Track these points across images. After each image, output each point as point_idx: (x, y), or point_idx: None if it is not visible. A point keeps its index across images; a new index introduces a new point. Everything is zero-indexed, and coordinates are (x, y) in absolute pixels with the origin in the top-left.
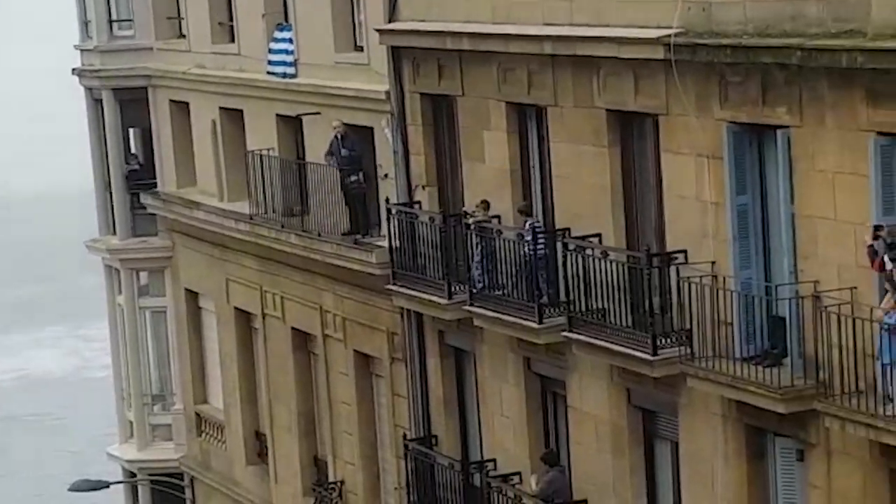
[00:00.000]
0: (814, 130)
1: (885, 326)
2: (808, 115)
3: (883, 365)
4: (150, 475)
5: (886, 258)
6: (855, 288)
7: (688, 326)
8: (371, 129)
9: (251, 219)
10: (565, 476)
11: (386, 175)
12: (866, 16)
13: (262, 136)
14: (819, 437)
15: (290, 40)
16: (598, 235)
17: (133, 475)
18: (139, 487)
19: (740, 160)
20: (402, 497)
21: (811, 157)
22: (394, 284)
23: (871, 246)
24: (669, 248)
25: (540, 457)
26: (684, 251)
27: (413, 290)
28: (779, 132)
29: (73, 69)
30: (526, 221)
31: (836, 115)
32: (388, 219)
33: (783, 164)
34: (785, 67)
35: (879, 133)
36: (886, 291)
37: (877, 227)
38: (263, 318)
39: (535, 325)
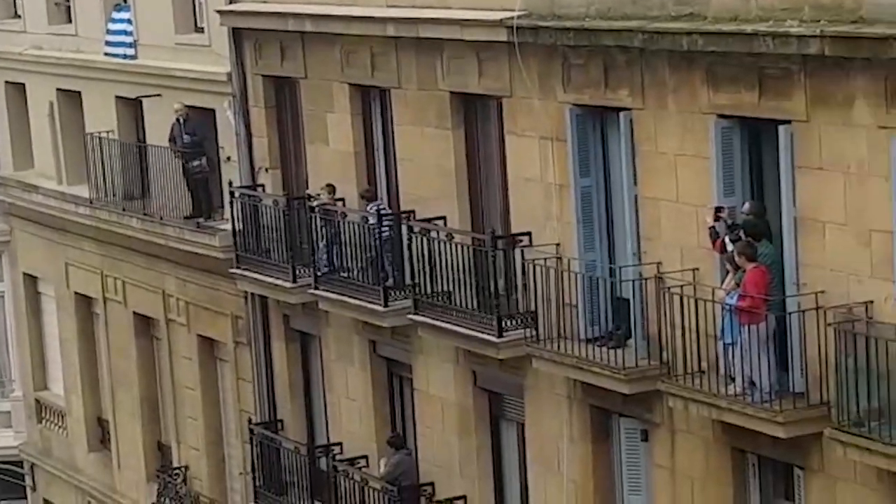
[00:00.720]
0: (656, 113)
1: (727, 307)
2: (650, 98)
3: (725, 345)
4: None
5: (727, 239)
6: (697, 269)
7: (533, 308)
8: (213, 111)
9: (91, 202)
10: (412, 459)
11: (229, 158)
12: None
13: (101, 118)
14: (663, 417)
15: (129, 21)
16: (444, 218)
17: None
18: None
19: (583, 143)
20: (247, 482)
21: (653, 139)
22: (237, 268)
23: (713, 227)
24: (514, 230)
25: (386, 440)
26: (529, 233)
27: (257, 273)
28: (621, 115)
29: None
30: (368, 206)
31: (677, 97)
32: (231, 202)
33: (626, 146)
34: (627, 50)
35: (720, 116)
36: (727, 272)
37: (718, 209)
38: (105, 302)
39: (380, 309)
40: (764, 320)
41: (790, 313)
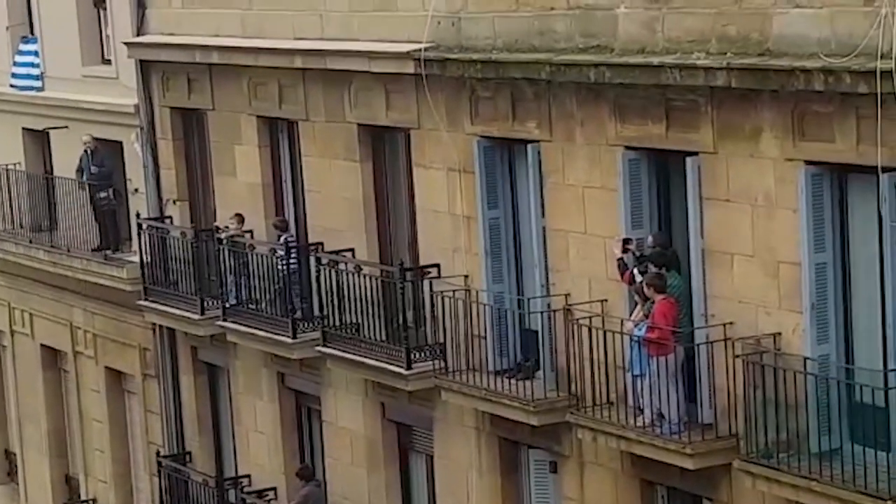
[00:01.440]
0: (563, 145)
1: (635, 339)
2: (558, 130)
3: (633, 376)
4: None
5: (635, 271)
6: (605, 300)
7: (441, 340)
8: (121, 143)
9: None
10: (321, 490)
11: (136, 190)
12: (613, 31)
13: (8, 150)
14: (572, 449)
15: (36, 53)
16: (352, 250)
17: None
18: None
19: (491, 174)
20: None
21: (561, 171)
22: (145, 300)
23: (621, 259)
24: (423, 262)
25: (295, 472)
26: (437, 265)
27: (165, 305)
28: (529, 146)
29: None
30: (280, 236)
31: (585, 129)
32: (139, 234)
33: (534, 178)
34: (534, 82)
35: (628, 147)
36: (636, 304)
37: (626, 241)
38: (12, 335)
39: (288, 340)
40: (672, 352)
41: (698, 345)
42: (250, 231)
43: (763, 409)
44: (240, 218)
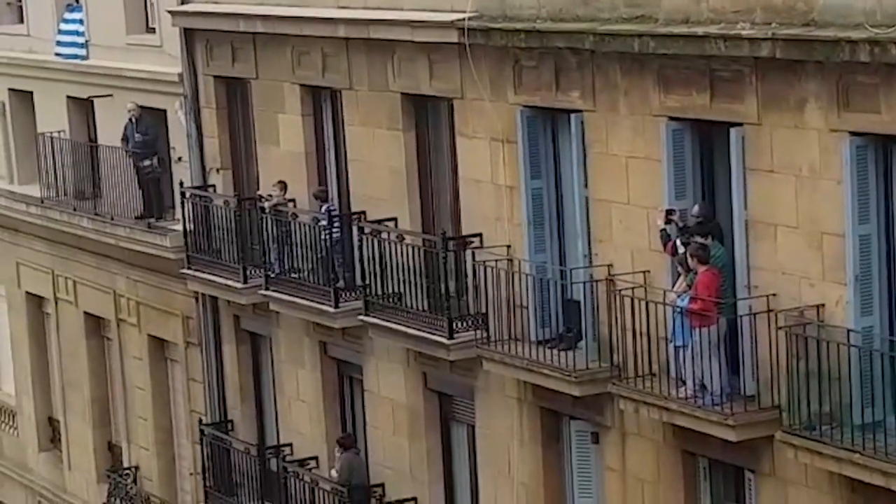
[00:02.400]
0: (607, 115)
1: (678, 309)
2: (601, 100)
3: (675, 347)
4: None
5: (678, 242)
6: (648, 271)
7: (483, 310)
8: (164, 111)
9: (42, 202)
10: (361, 458)
11: (180, 158)
12: (658, 1)
13: (53, 118)
14: (613, 420)
15: (81, 21)
16: (394, 219)
17: None
18: None
19: (534, 144)
20: (197, 482)
21: (604, 141)
22: (188, 268)
23: (664, 230)
24: (465, 231)
25: (336, 440)
26: (479, 235)
27: (208, 274)
28: (572, 116)
29: None
30: (321, 206)
31: (628, 99)
32: (182, 202)
33: (577, 148)
34: (578, 52)
35: (671, 118)
36: (679, 275)
37: (669, 212)
38: (56, 302)
39: (331, 310)
40: (715, 323)
41: (741, 316)
42: (293, 200)
43: (806, 380)
44: (282, 185)
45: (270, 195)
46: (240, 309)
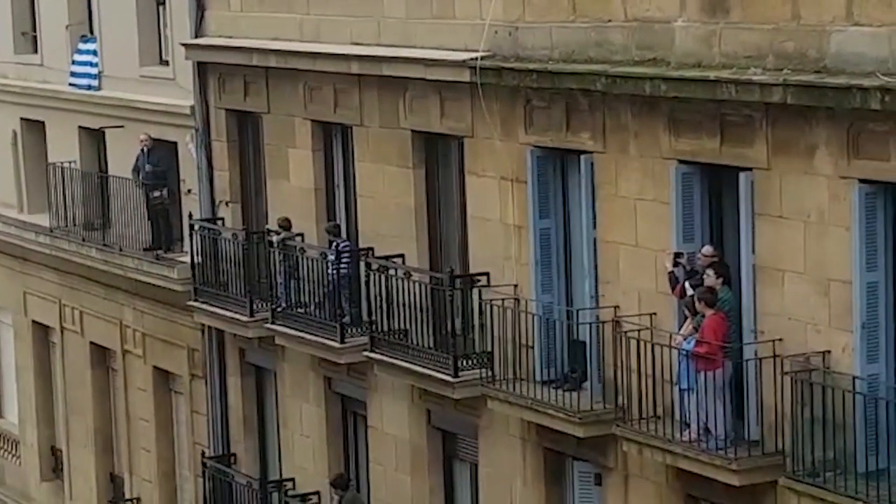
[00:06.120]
0: (617, 157)
1: (684, 352)
2: (612, 142)
3: (681, 390)
4: None
5: (687, 284)
6: (654, 314)
7: (489, 349)
8: (176, 143)
9: (51, 231)
10: (361, 497)
11: (189, 190)
12: (670, 44)
13: (64, 148)
14: (617, 462)
15: (95, 52)
16: (402, 256)
17: None
18: None
19: (544, 184)
20: None
21: (614, 183)
22: (195, 301)
23: (672, 272)
24: (472, 270)
25: (330, 481)
26: (487, 273)
27: (215, 307)
28: (582, 157)
29: None
30: (332, 242)
31: (638, 142)
32: (191, 235)
33: (586, 189)
34: (589, 93)
35: (681, 161)
36: (685, 317)
37: (677, 255)
38: (62, 332)
39: (336, 345)
40: (721, 367)
41: (747, 361)
42: (301, 234)
43: (811, 427)
44: (286, 221)
45: (278, 230)
46: (245, 342)
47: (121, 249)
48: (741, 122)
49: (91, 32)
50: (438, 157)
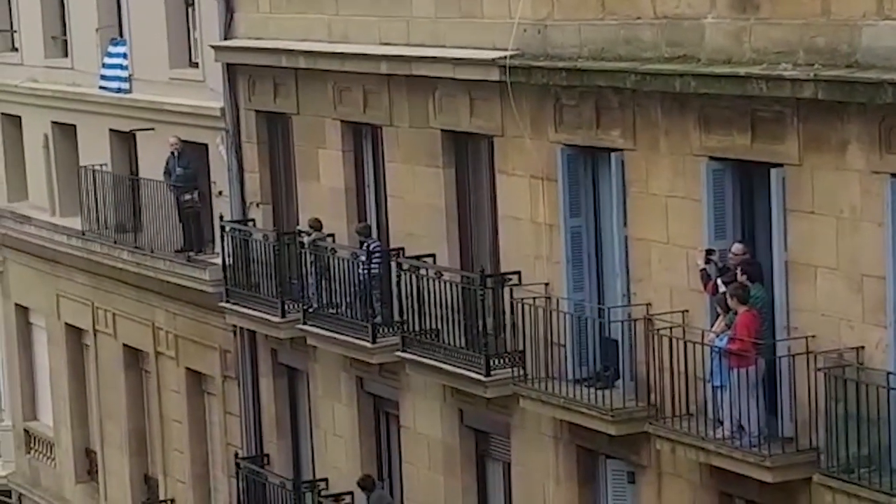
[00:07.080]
0: (647, 154)
1: (716, 349)
2: (642, 139)
3: (714, 388)
4: None
5: (719, 281)
6: (686, 311)
7: (521, 348)
8: (206, 145)
9: (83, 234)
10: (387, 493)
11: (220, 192)
12: (700, 41)
13: (95, 151)
14: (650, 460)
15: (125, 55)
16: (433, 256)
17: None
18: None
19: (574, 182)
20: None
21: (644, 180)
22: (227, 302)
23: (704, 269)
24: (503, 269)
25: (357, 481)
26: (518, 272)
27: (246, 307)
28: (612, 155)
29: None
30: (363, 242)
31: (669, 139)
32: (222, 236)
33: (617, 187)
34: (619, 91)
35: (711, 158)
36: (718, 315)
37: (709, 252)
38: (95, 334)
39: (368, 345)
40: (754, 364)
41: (780, 357)
42: (332, 235)
43: (845, 423)
44: (317, 222)
45: (310, 232)
46: (277, 343)
47: (152, 252)
48: (772, 118)
49: (121, 35)
50: (468, 157)
